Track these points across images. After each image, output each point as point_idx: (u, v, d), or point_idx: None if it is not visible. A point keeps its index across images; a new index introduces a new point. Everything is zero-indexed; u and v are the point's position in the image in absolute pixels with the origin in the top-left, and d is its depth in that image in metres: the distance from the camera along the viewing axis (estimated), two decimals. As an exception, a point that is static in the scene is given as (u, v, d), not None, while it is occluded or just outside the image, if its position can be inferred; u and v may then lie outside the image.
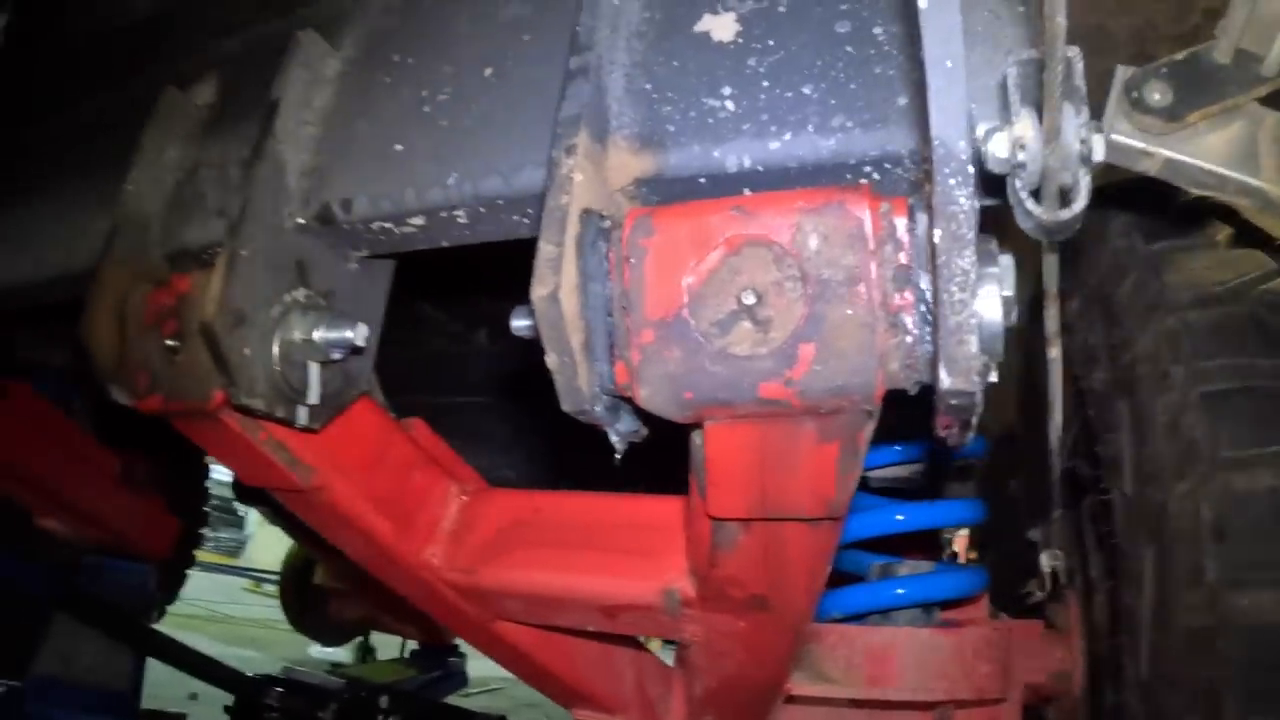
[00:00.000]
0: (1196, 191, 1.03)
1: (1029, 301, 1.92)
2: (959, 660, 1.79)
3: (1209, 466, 1.42)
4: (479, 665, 4.34)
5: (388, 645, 6.23)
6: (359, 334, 1.35)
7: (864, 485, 2.03)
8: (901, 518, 1.97)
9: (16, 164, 2.10)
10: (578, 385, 1.00)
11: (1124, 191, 1.60)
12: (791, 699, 2.06)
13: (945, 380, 0.74)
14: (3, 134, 2.19)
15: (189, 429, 1.51)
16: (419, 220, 1.30)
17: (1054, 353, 1.22)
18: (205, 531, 12.08)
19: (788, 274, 0.89)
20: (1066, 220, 0.81)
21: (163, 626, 5.36)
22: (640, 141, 1.08)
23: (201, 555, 11.84)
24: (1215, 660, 1.39)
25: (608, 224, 1.00)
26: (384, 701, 4.01)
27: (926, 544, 3.10)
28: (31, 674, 3.42)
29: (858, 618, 1.92)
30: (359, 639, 6.24)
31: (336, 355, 1.37)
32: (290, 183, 1.38)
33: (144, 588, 4.02)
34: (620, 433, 1.06)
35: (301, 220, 1.37)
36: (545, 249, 0.98)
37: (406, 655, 5.57)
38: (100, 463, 3.74)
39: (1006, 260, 0.87)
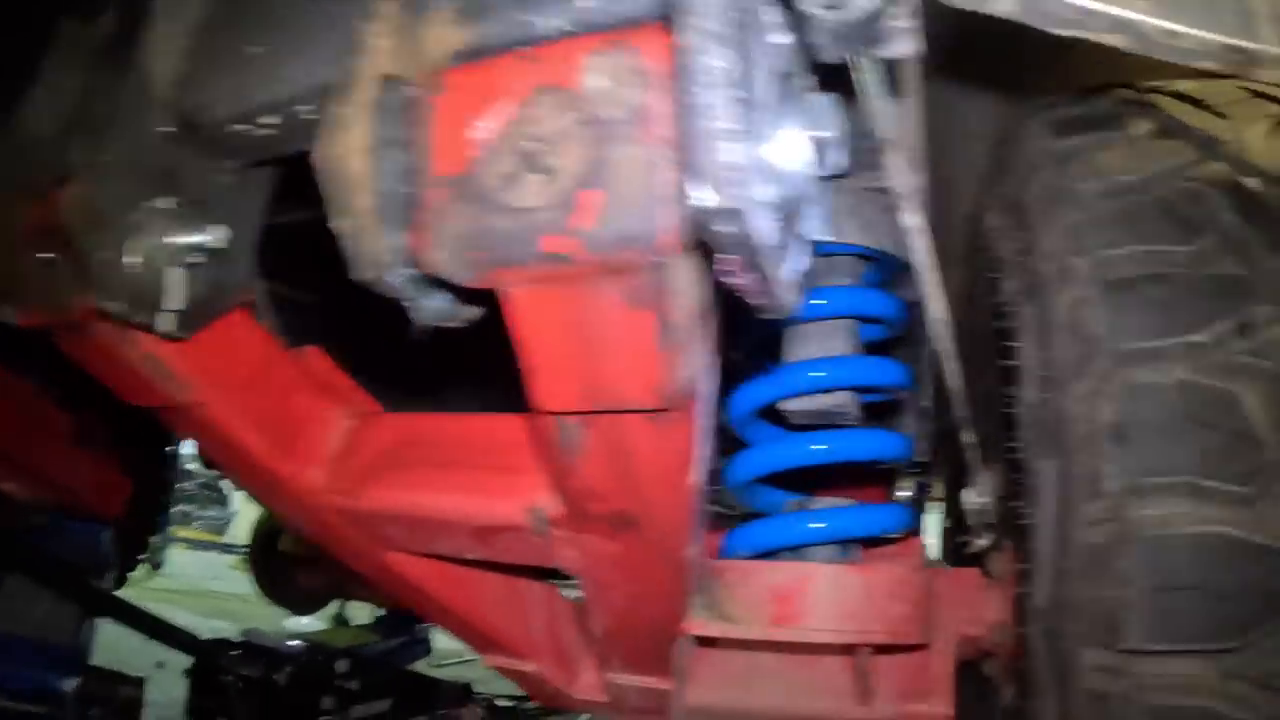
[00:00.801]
0: (1061, 33, 0.93)
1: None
2: (869, 600, 1.67)
3: (1110, 362, 1.29)
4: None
5: (366, 614, 6.21)
6: (215, 236, 1.36)
7: (785, 422, 1.92)
8: (822, 447, 1.82)
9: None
10: (367, 251, 0.97)
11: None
12: (707, 642, 1.99)
13: (692, 193, 0.65)
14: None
15: (70, 346, 1.50)
16: (272, 119, 1.26)
17: (919, 245, 1.09)
18: (191, 510, 12.25)
19: (576, 119, 0.81)
20: (859, 17, 0.71)
21: (143, 600, 5.33)
22: (460, 13, 1.02)
23: (188, 533, 12.02)
24: (1115, 580, 1.26)
25: (413, 92, 0.95)
26: (341, 666, 3.96)
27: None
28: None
29: (770, 557, 1.83)
30: (335, 608, 6.20)
31: (196, 259, 1.37)
32: (157, 93, 1.36)
33: (99, 549, 3.98)
34: (430, 311, 1.01)
35: (167, 129, 1.36)
36: (334, 111, 0.97)
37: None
38: (53, 422, 3.70)
39: (821, 100, 0.81)
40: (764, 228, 0.69)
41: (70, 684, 3.23)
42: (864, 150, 1.59)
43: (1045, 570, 1.47)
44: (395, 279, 0.98)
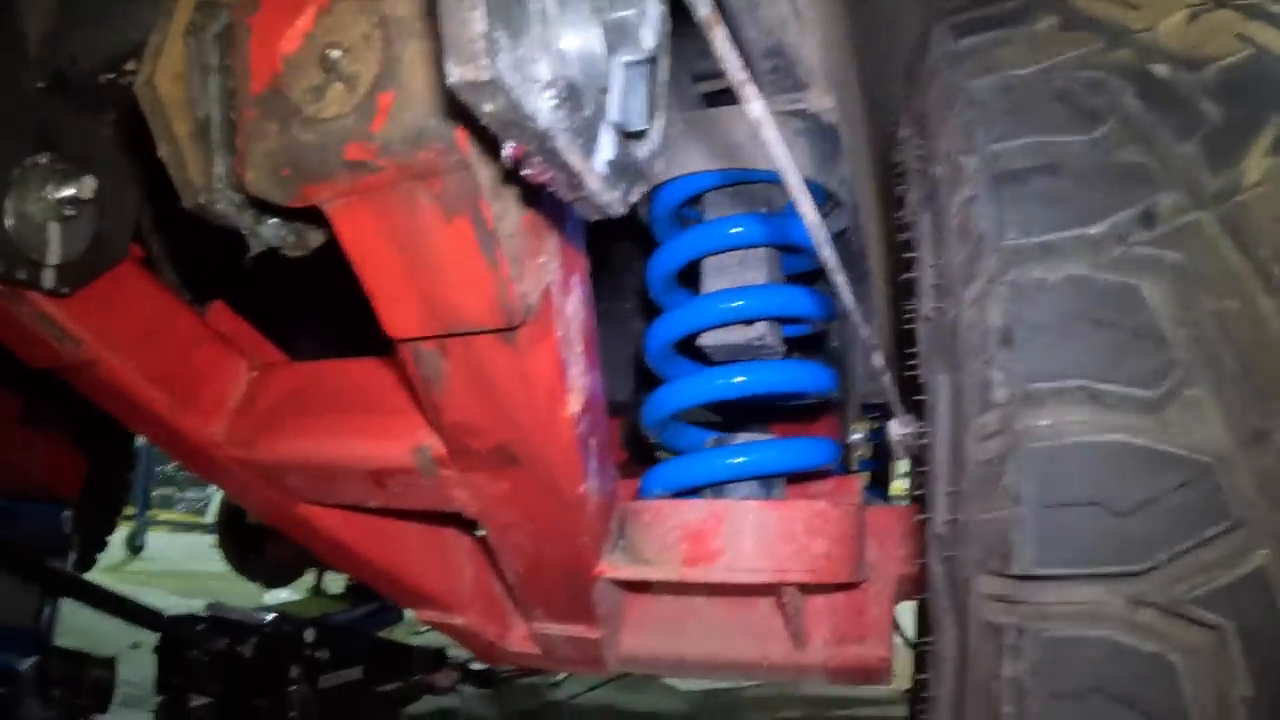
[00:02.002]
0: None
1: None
2: (787, 537, 1.60)
3: (997, 260, 1.18)
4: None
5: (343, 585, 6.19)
6: (84, 187, 1.36)
7: (706, 359, 1.85)
8: (740, 380, 1.73)
9: None
10: (189, 178, 0.97)
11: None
12: (640, 588, 1.96)
13: (449, 69, 0.61)
14: None
15: None
16: (136, 65, 1.23)
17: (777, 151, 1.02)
18: (171, 493, 12.23)
19: (373, 22, 0.78)
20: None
21: (122, 583, 5.29)
22: None
23: (170, 516, 12.00)
24: (1005, 498, 1.13)
25: (230, 16, 0.94)
26: (309, 635, 3.92)
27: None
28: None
29: (690, 496, 1.78)
30: (312, 580, 6.17)
31: (70, 212, 1.37)
32: (31, 50, 1.37)
33: (58, 530, 3.95)
34: (267, 237, 0.98)
35: (41, 84, 1.37)
36: (153, 40, 0.97)
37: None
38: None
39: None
40: (540, 107, 0.65)
41: (27, 663, 3.19)
42: (775, 70, 1.56)
43: (941, 493, 1.38)
44: (222, 205, 0.97)
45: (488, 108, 0.64)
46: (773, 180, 1.78)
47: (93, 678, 3.44)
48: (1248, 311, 1.11)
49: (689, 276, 1.85)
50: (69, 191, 1.35)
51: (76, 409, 3.89)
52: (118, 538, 9.15)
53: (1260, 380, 1.09)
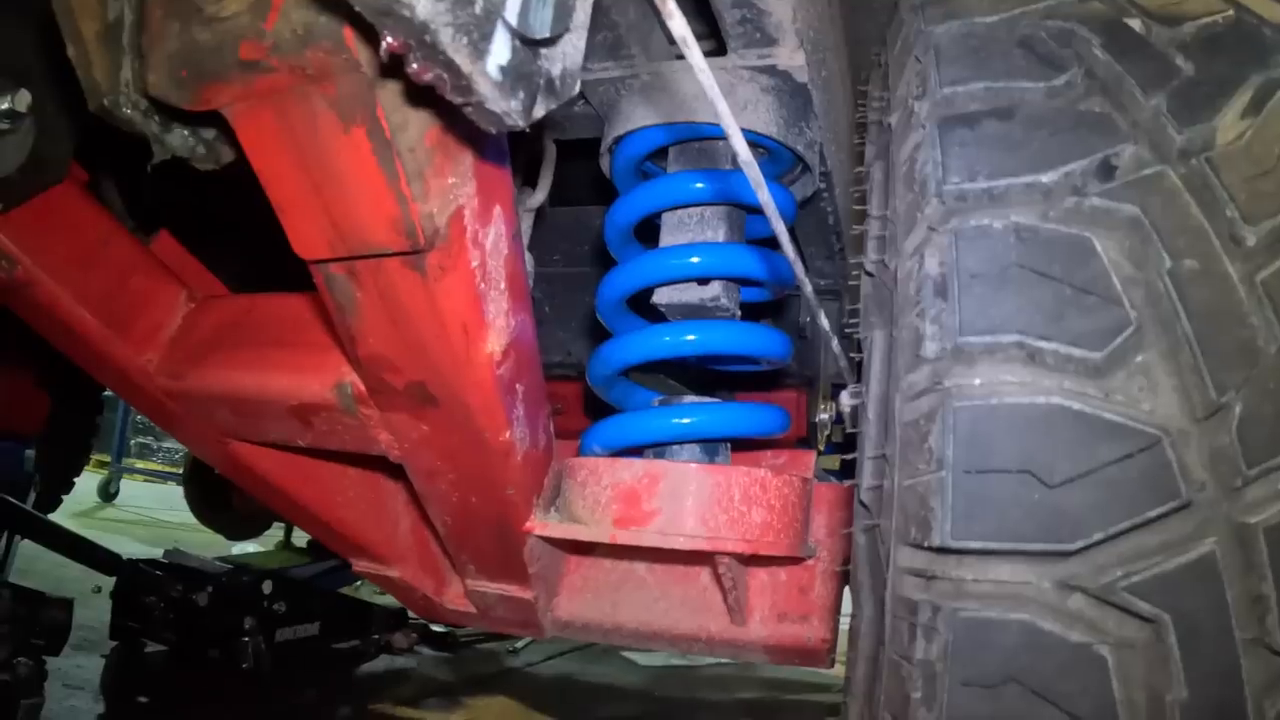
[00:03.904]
0: None
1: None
2: (725, 505, 1.55)
3: (939, 207, 1.11)
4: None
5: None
6: (19, 101, 1.35)
7: (661, 319, 1.81)
8: (688, 337, 1.67)
9: None
10: (95, 79, 0.94)
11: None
12: (579, 551, 1.92)
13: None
14: None
15: None
16: None
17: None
18: (149, 441, 12.16)
19: (274, -86, 0.74)
20: None
21: (92, 529, 5.26)
22: None
23: (148, 465, 11.94)
24: (927, 461, 1.05)
25: None
26: (267, 587, 3.90)
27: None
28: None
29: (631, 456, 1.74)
30: (282, 535, 6.12)
31: (3, 125, 1.35)
32: None
33: (18, 467, 3.92)
34: (175, 145, 0.95)
35: None
36: None
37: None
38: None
39: None
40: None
41: (-28, 597, 3.16)
42: (743, 22, 1.51)
43: (868, 457, 1.31)
44: (128, 110, 0.94)
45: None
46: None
47: (47, 618, 3.39)
48: (1209, 273, 1.03)
49: (650, 235, 1.81)
50: (5, 105, 1.33)
51: (38, 348, 3.87)
52: (91, 484, 9.16)
53: (1219, 348, 1.01)
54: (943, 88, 1.18)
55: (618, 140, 1.73)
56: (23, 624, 3.26)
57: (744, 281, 1.77)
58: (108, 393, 5.22)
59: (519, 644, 4.97)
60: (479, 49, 0.67)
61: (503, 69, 0.70)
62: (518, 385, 1.28)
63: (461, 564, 1.79)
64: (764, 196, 1.08)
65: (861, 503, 1.35)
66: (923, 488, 1.07)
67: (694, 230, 1.72)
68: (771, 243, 1.87)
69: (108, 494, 9.83)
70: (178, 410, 1.60)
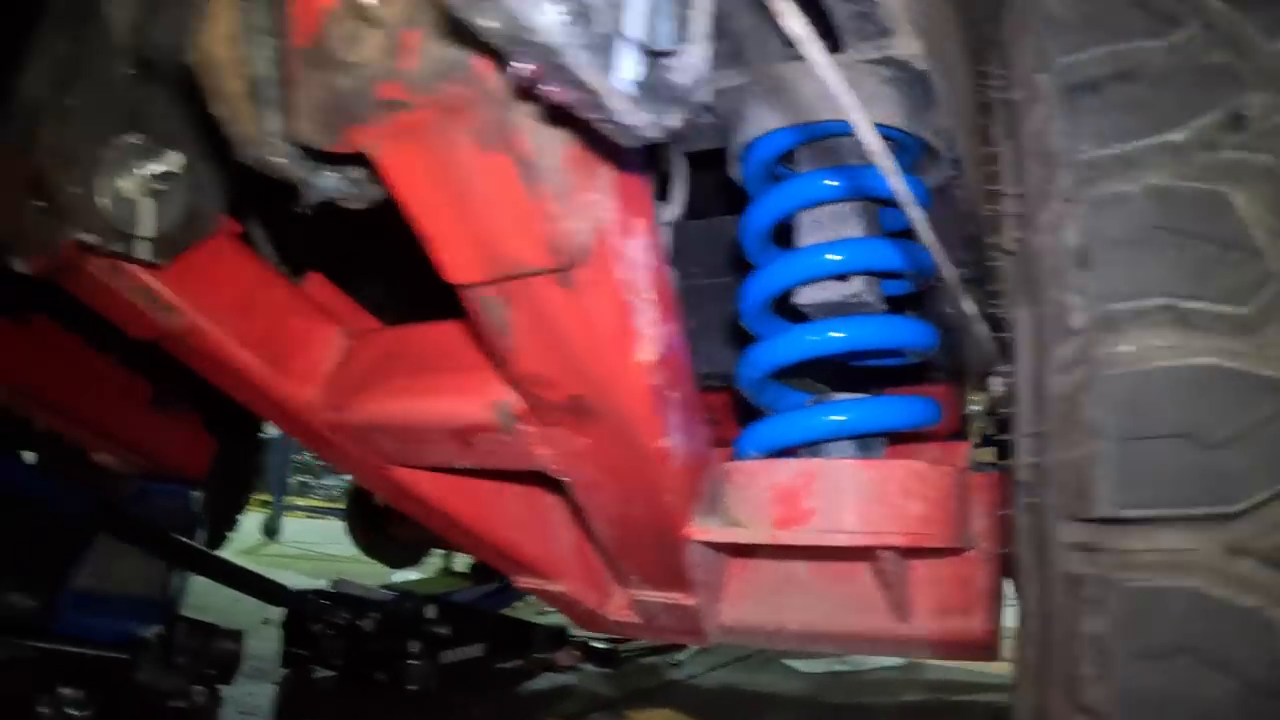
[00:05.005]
0: None
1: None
2: (882, 499, 1.52)
3: (1073, 177, 1.09)
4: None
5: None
6: (171, 162, 1.46)
7: (805, 320, 1.80)
8: (833, 335, 1.65)
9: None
10: (243, 132, 1.01)
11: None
12: (744, 553, 1.92)
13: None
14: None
15: (74, 288, 1.57)
16: None
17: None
18: (308, 480, 12.56)
19: (401, -32, 0.79)
20: None
21: (257, 566, 5.47)
22: None
23: (309, 501, 12.33)
24: (1084, 434, 1.04)
25: None
26: (430, 611, 3.99)
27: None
28: (66, 589, 3.48)
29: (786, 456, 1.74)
30: (442, 561, 6.27)
31: (161, 187, 1.46)
32: (118, 40, 1.46)
33: (186, 509, 4.08)
34: (324, 188, 1.00)
35: (129, 70, 1.46)
36: (203, 6, 1.02)
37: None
38: (132, 389, 3.81)
39: None
40: (543, 21, 0.64)
41: (151, 630, 3.30)
42: (857, 16, 1.51)
43: (1024, 435, 1.29)
44: (277, 157, 1.01)
45: (484, 23, 0.63)
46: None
47: (219, 649, 3.53)
48: None
49: (786, 238, 1.81)
50: (158, 167, 1.44)
51: (205, 396, 4.04)
52: (254, 523, 9.50)
53: None
54: (1062, 56, 1.16)
55: (747, 146, 1.73)
56: (196, 655, 3.40)
57: (884, 274, 1.76)
58: (268, 433, 5.46)
59: (680, 656, 4.99)
60: (607, 65, 0.69)
61: (632, 83, 0.72)
62: (672, 393, 1.30)
63: (624, 574, 1.81)
64: (899, 186, 1.08)
65: (1019, 483, 1.33)
66: (1081, 460, 1.05)
67: (830, 228, 1.72)
68: (907, 235, 1.87)
69: (270, 531, 10.18)
70: (339, 441, 1.66)
